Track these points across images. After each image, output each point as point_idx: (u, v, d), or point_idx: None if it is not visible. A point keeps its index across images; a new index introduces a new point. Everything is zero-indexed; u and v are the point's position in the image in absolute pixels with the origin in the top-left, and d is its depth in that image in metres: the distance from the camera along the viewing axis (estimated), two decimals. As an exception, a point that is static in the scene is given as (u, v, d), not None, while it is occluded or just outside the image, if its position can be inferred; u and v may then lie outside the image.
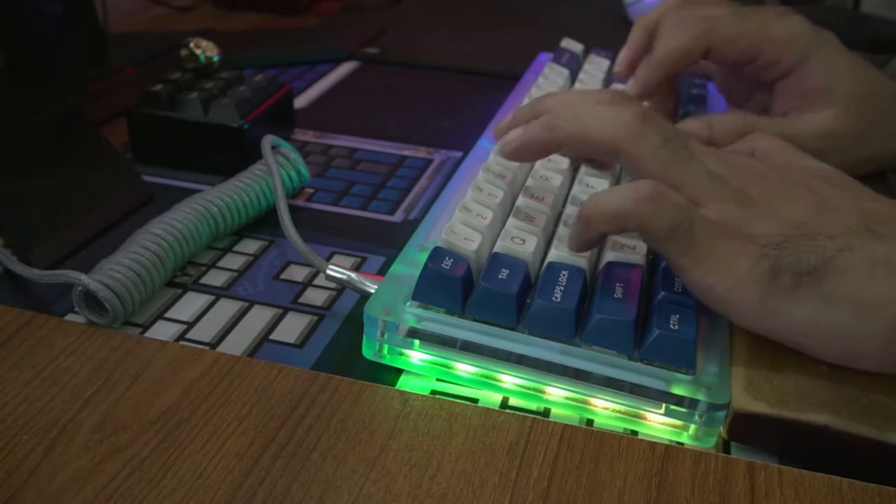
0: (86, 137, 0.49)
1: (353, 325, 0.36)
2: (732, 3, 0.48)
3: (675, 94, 0.49)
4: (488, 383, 0.32)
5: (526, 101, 0.48)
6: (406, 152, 0.53)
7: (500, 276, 0.32)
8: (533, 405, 0.32)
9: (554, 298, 0.31)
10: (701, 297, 0.31)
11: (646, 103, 0.48)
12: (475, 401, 0.32)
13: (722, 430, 0.30)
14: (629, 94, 0.40)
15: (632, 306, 0.31)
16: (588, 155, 0.39)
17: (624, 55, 0.49)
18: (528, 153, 0.36)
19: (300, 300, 0.37)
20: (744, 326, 0.31)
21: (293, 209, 0.43)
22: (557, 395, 0.32)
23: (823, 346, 0.30)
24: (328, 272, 0.36)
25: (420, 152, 0.53)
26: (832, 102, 0.44)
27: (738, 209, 0.31)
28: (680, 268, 0.31)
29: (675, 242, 0.30)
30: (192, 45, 0.50)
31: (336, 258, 0.41)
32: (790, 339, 0.30)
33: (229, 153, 0.47)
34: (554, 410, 0.32)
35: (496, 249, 0.34)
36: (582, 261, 0.34)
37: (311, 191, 0.47)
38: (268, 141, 0.43)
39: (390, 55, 0.71)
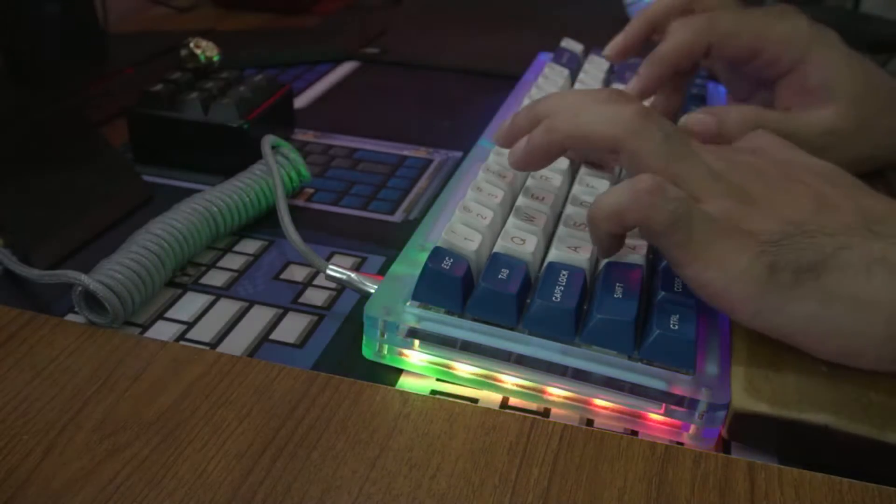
0: (86, 137, 0.49)
1: (353, 325, 0.36)
2: (734, 2, 0.48)
3: (683, 95, 0.49)
4: (488, 383, 0.32)
5: (526, 101, 0.48)
6: (406, 152, 0.53)
7: (500, 276, 0.32)
8: (533, 405, 0.32)
9: (554, 298, 0.31)
10: (699, 293, 0.31)
11: (649, 102, 0.48)
12: (475, 401, 0.32)
13: (722, 430, 0.30)
14: (628, 93, 0.40)
15: (632, 306, 0.31)
16: (590, 153, 0.39)
17: (616, 41, 0.49)
18: (534, 160, 0.36)
19: (300, 300, 0.37)
20: (741, 323, 0.31)
21: (293, 209, 0.43)
22: (557, 395, 0.32)
23: (821, 344, 0.30)
24: (328, 272, 0.36)
25: (420, 152, 0.53)
26: (832, 100, 0.44)
27: (738, 205, 0.31)
28: (678, 263, 0.31)
29: (674, 237, 0.30)
30: (192, 45, 0.50)
31: (336, 258, 0.41)
32: (787, 336, 0.30)
33: (229, 153, 0.47)
34: (554, 410, 0.32)
35: (496, 249, 0.34)
36: (582, 261, 0.34)
37: (311, 191, 0.47)
38: (268, 141, 0.43)
39: (390, 55, 0.70)
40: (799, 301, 0.29)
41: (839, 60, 0.44)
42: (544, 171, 0.40)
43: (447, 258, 0.33)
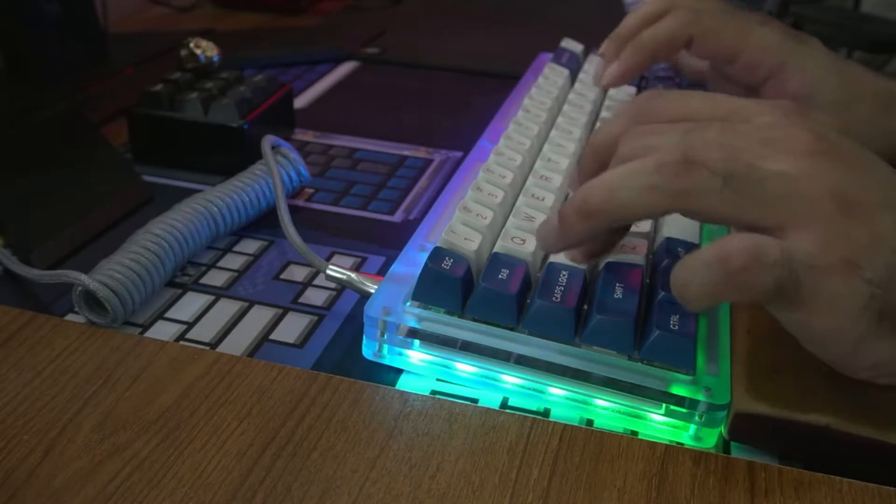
0: (86, 137, 0.49)
1: (353, 325, 0.36)
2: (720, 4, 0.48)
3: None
4: (488, 383, 0.32)
5: (527, 101, 0.48)
6: (406, 152, 0.53)
7: (500, 276, 0.32)
8: (533, 405, 0.32)
9: (554, 298, 0.31)
10: (799, 336, 0.29)
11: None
12: (475, 401, 0.32)
13: (723, 430, 0.30)
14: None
15: (632, 306, 0.31)
16: (639, 220, 0.35)
17: (609, 46, 0.49)
18: (572, 243, 0.32)
19: (300, 300, 0.37)
20: (823, 360, 0.29)
21: (293, 209, 0.43)
22: (557, 395, 0.32)
23: (879, 378, 0.29)
24: (328, 272, 0.36)
25: (420, 152, 0.53)
26: (814, 108, 0.43)
27: (833, 219, 0.27)
28: (783, 310, 0.28)
29: (783, 300, 0.27)
30: (192, 45, 0.50)
31: (336, 258, 0.41)
32: (856, 373, 0.29)
33: (229, 153, 0.47)
34: (554, 410, 0.32)
35: (496, 249, 0.34)
36: (582, 261, 0.34)
37: (311, 191, 0.47)
38: (268, 141, 0.43)
39: (390, 55, 0.70)
40: (884, 344, 0.28)
41: (818, 69, 0.44)
42: (544, 172, 0.40)
43: (447, 258, 0.33)
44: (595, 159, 0.32)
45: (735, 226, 0.29)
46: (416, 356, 0.33)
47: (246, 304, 0.37)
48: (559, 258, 0.34)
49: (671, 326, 0.31)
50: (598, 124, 0.48)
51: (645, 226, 0.37)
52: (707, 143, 0.28)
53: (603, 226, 0.31)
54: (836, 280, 0.27)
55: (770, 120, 0.30)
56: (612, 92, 0.51)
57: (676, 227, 0.36)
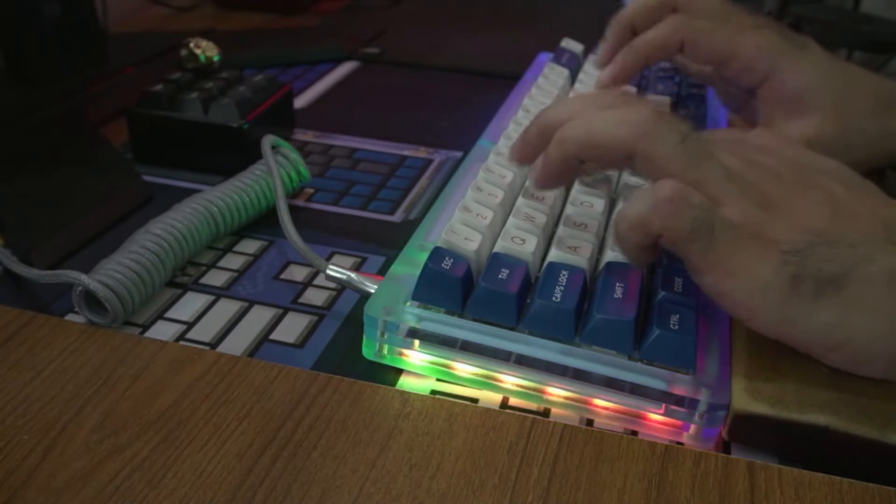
0: (86, 137, 0.49)
1: (353, 325, 0.36)
2: (717, 4, 0.48)
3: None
4: (488, 383, 0.32)
5: (527, 101, 0.48)
6: (406, 152, 0.53)
7: (500, 276, 0.32)
8: (533, 405, 0.32)
9: (554, 298, 0.31)
10: (717, 301, 0.30)
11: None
12: (475, 401, 0.32)
13: (722, 430, 0.30)
14: (635, 94, 0.40)
15: (632, 306, 0.31)
16: (604, 162, 0.37)
17: (603, 53, 0.50)
18: (553, 176, 0.35)
19: (300, 300, 0.37)
20: (757, 331, 0.30)
21: (293, 209, 0.43)
22: (557, 395, 0.32)
23: (833, 352, 0.30)
24: (328, 272, 0.36)
25: (420, 152, 0.53)
26: (810, 110, 0.44)
27: (758, 210, 0.30)
28: (698, 271, 0.30)
29: (696, 244, 0.29)
30: (192, 45, 0.50)
31: (336, 258, 0.41)
32: (801, 344, 0.30)
33: (229, 153, 0.47)
34: (554, 410, 0.32)
35: (496, 249, 0.34)
36: (582, 261, 0.34)
37: (311, 191, 0.47)
38: (268, 141, 0.43)
39: (390, 55, 0.71)
40: (819, 312, 0.29)
41: (813, 69, 0.44)
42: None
43: (447, 258, 0.33)
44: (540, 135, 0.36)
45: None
46: (416, 356, 0.33)
47: (246, 304, 0.37)
48: (559, 258, 0.34)
49: (671, 326, 0.31)
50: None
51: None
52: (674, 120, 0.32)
53: (574, 153, 0.34)
54: (750, 245, 0.29)
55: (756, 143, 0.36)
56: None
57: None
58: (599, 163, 0.38)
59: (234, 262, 0.40)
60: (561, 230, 0.36)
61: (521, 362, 0.32)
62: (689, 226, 0.29)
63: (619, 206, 0.38)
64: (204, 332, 0.35)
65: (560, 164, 0.34)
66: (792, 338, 0.30)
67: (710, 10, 0.46)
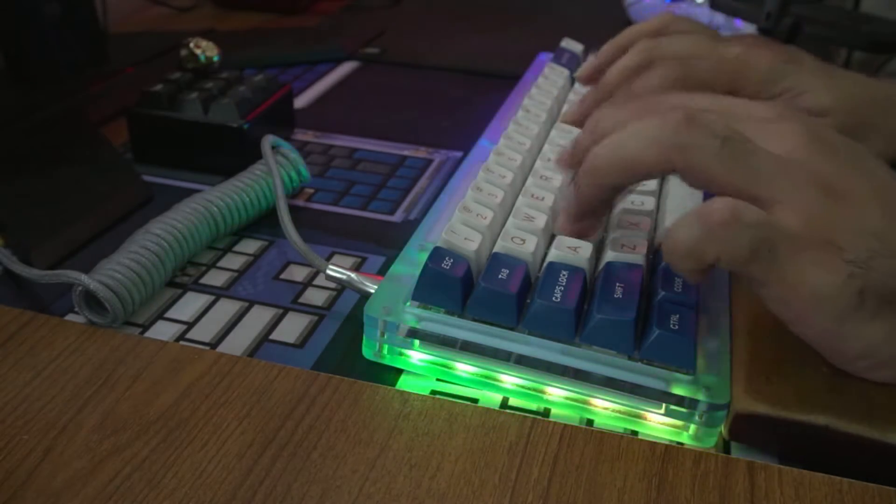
0: (86, 137, 0.49)
1: (353, 325, 0.36)
2: (708, 29, 0.48)
3: None
4: (488, 383, 0.32)
5: (526, 100, 0.48)
6: (406, 152, 0.53)
7: (500, 276, 0.32)
8: (533, 405, 0.32)
9: (554, 298, 0.31)
10: (777, 311, 0.29)
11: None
12: (475, 401, 0.32)
13: (723, 430, 0.30)
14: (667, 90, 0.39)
15: (632, 306, 0.31)
16: (644, 179, 0.35)
17: (587, 65, 0.49)
18: (589, 213, 0.34)
19: (300, 300, 0.37)
20: (799, 335, 0.30)
21: (293, 209, 0.43)
22: (557, 395, 0.32)
23: (875, 370, 0.29)
24: (328, 272, 0.36)
25: (420, 152, 0.53)
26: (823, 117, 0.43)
27: (818, 202, 0.28)
28: (760, 283, 0.29)
29: (758, 265, 0.28)
30: (192, 45, 0.50)
31: (336, 258, 0.41)
32: (851, 363, 0.29)
33: (229, 153, 0.47)
34: (554, 410, 0.32)
35: (496, 249, 0.34)
36: (582, 261, 0.34)
37: (311, 191, 0.47)
38: (268, 141, 0.43)
39: (390, 55, 0.71)
40: (873, 328, 0.28)
41: (815, 78, 0.44)
42: (544, 172, 0.40)
43: (447, 258, 0.33)
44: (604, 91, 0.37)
45: (723, 193, 0.29)
46: (416, 356, 0.33)
47: (246, 304, 0.37)
48: (559, 258, 0.34)
49: (671, 326, 0.31)
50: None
51: (646, 224, 0.37)
52: (707, 113, 0.30)
53: (610, 183, 0.32)
54: (814, 255, 0.28)
55: (767, 115, 0.32)
56: None
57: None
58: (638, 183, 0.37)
59: (234, 262, 0.40)
60: (561, 230, 0.36)
61: (521, 362, 0.32)
62: (747, 249, 0.27)
63: (665, 224, 0.37)
64: (204, 332, 0.35)
65: (596, 200, 0.33)
66: (835, 351, 0.29)
67: (702, 50, 0.44)
